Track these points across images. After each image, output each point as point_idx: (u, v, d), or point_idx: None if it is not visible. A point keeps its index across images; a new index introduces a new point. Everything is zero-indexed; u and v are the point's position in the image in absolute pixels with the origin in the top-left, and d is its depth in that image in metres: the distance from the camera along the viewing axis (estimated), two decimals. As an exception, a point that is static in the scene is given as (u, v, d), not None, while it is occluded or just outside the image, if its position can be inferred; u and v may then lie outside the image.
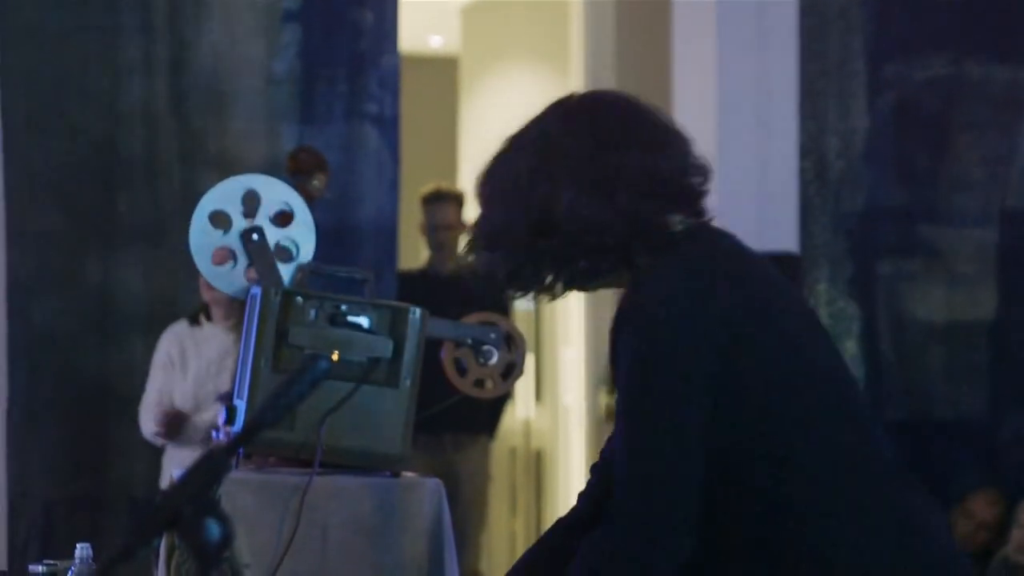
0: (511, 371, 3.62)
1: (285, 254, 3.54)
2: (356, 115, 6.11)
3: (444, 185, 7.31)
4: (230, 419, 3.39)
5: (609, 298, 2.64)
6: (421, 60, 10.31)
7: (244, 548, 3.24)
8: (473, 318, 3.60)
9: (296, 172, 4.69)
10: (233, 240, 3.50)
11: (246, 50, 6.04)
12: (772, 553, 2.34)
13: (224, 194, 3.51)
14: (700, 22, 6.43)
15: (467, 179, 9.18)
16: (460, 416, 6.33)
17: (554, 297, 2.50)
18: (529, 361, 8.59)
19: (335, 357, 3.33)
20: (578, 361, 8.17)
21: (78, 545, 3.17)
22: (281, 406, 2.04)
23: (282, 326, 3.35)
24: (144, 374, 5.51)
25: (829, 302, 6.47)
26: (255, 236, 3.49)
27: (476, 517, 7.12)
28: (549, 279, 2.48)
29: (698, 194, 2.48)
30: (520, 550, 8.60)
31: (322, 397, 3.25)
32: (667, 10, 6.66)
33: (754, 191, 6.29)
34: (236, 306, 4.97)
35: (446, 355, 3.59)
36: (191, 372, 5.35)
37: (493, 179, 2.52)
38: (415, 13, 8.08)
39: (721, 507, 2.35)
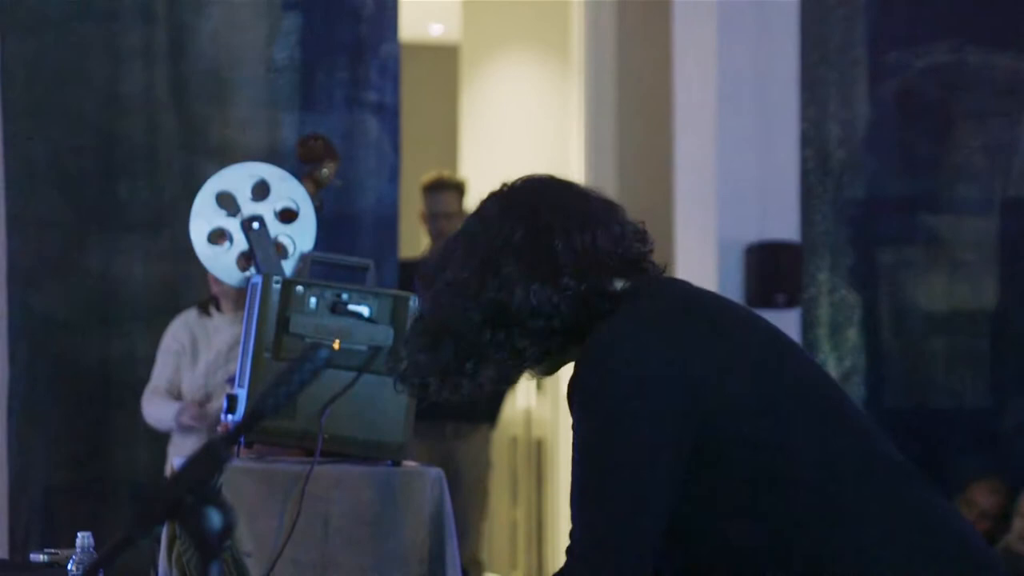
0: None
1: (281, 250, 3.54)
2: (356, 103, 6.10)
3: (445, 173, 7.31)
4: (231, 408, 3.38)
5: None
6: (421, 48, 10.30)
7: (245, 537, 3.24)
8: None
9: (306, 160, 4.69)
10: (234, 224, 3.50)
11: (246, 38, 6.03)
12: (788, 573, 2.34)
13: (236, 177, 3.51)
14: (701, 9, 6.42)
15: (467, 167, 9.17)
16: (461, 405, 6.30)
17: (482, 390, 2.52)
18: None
19: (336, 346, 3.32)
20: (579, 350, 8.15)
21: (79, 534, 3.17)
22: (282, 395, 2.03)
23: (283, 315, 3.34)
24: (145, 361, 5.51)
25: (831, 291, 6.46)
26: (256, 225, 3.49)
27: (477, 506, 7.12)
28: (488, 373, 2.50)
29: (640, 257, 2.52)
30: (521, 538, 8.62)
31: (323, 386, 3.24)
32: (668, -2, 6.66)
33: (755, 180, 6.28)
34: (244, 298, 4.97)
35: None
36: (201, 362, 5.34)
37: (437, 276, 2.53)
38: (415, 1, 8.07)
39: (726, 536, 2.35)
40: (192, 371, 5.36)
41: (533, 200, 2.52)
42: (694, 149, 6.38)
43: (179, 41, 5.99)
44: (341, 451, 3.36)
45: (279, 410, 2.05)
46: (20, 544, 5.68)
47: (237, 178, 3.51)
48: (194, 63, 6.00)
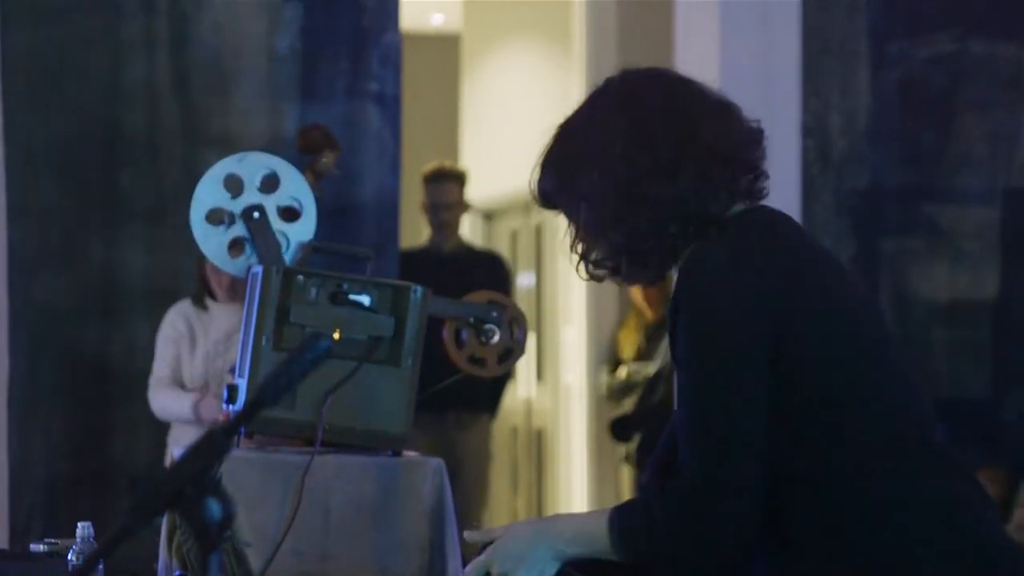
0: (512, 351, 3.61)
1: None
2: (357, 93, 6.09)
3: (446, 163, 7.31)
4: (231, 398, 3.38)
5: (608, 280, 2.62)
6: (423, 38, 10.29)
7: (246, 527, 3.24)
8: (476, 296, 3.59)
9: (306, 150, 4.70)
10: (235, 207, 3.49)
11: (248, 27, 6.02)
12: (818, 540, 2.35)
13: (251, 164, 3.51)
14: (703, -1, 6.41)
15: (468, 158, 9.17)
16: (462, 395, 6.33)
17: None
18: (530, 340, 8.58)
19: (336, 336, 3.32)
20: (579, 340, 8.16)
21: (79, 523, 3.17)
22: (282, 385, 2.03)
23: (283, 305, 3.34)
24: (146, 351, 5.50)
25: (832, 281, 6.45)
26: (256, 215, 3.48)
27: (478, 496, 7.12)
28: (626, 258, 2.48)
29: (757, 163, 2.53)
30: (522, 529, 8.62)
31: (323, 376, 3.24)
32: (670, -13, 6.65)
33: (757, 169, 6.27)
34: (240, 285, 4.97)
35: (447, 333, 3.59)
36: (199, 351, 5.34)
37: (578, 138, 2.51)
38: (417, -9, 8.06)
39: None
40: (191, 360, 5.36)
41: (663, 82, 2.56)
42: (696, 139, 6.36)
43: (180, 31, 5.98)
44: (341, 441, 3.36)
45: (279, 400, 2.05)
46: (20, 534, 5.68)
47: (252, 165, 3.51)
48: (195, 53, 5.99)
